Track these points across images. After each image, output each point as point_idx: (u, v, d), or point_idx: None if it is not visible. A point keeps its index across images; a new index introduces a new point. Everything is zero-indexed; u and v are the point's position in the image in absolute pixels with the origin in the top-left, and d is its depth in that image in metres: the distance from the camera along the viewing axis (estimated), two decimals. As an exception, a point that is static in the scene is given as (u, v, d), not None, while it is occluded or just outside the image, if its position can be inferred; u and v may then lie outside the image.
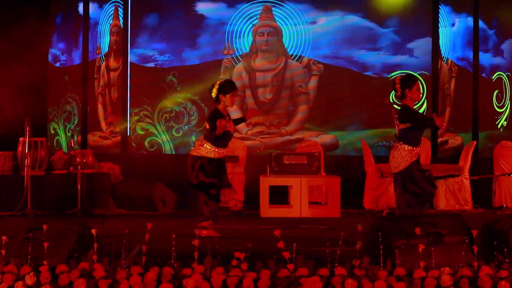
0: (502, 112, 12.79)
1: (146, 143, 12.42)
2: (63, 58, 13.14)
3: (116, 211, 9.94)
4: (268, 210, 9.59)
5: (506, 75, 12.80)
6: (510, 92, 12.83)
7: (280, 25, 12.25)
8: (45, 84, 12.95)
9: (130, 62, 12.44)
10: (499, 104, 12.77)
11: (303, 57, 12.22)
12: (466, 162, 10.17)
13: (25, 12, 11.96)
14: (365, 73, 12.20)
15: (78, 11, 12.93)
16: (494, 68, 12.75)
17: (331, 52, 12.21)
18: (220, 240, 7.03)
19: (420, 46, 12.18)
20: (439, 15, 12.27)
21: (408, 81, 7.01)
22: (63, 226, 5.23)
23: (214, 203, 7.64)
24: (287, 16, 12.24)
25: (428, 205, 9.59)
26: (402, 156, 6.89)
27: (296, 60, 12.24)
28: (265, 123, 12.28)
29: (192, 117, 12.26)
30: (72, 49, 13.03)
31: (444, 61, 12.38)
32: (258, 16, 12.26)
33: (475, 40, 12.46)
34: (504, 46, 12.83)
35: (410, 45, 12.20)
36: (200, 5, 12.31)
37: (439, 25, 12.26)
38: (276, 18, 12.26)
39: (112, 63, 12.67)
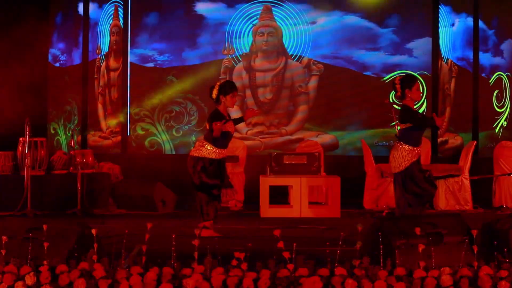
0: (502, 112, 12.79)
1: (146, 143, 12.42)
2: (63, 58, 13.15)
3: (116, 211, 9.94)
4: (268, 210, 9.59)
5: (506, 75, 12.80)
6: (510, 92, 12.83)
7: (280, 25, 12.26)
8: (45, 84, 12.95)
9: (130, 62, 12.45)
10: (499, 104, 12.77)
11: (303, 57, 12.22)
12: (466, 162, 10.17)
13: (25, 12, 11.96)
14: (365, 73, 12.20)
15: (78, 11, 12.93)
16: (494, 68, 12.75)
17: (331, 52, 12.22)
18: (220, 240, 7.03)
19: (420, 46, 12.19)
20: (439, 15, 12.28)
21: (408, 81, 7.01)
22: (63, 226, 5.23)
23: (215, 203, 7.65)
24: (287, 16, 12.24)
25: (428, 205, 9.60)
26: (402, 156, 6.89)
27: (296, 60, 12.25)
28: (265, 123, 12.28)
29: (192, 117, 12.26)
30: (72, 49, 13.03)
31: (444, 61, 12.38)
32: (258, 16, 12.26)
33: (475, 40, 12.47)
34: (504, 46, 12.83)
35: (410, 45, 12.20)
36: (200, 5, 12.31)
37: (439, 25, 12.27)
38: (276, 18, 12.26)
39: (112, 63, 12.67)
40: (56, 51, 13.18)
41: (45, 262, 4.88)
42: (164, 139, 12.38)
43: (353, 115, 12.24)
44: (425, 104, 12.15)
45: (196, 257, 4.88)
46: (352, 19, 12.18)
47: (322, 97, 12.28)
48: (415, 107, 7.14)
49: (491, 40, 12.76)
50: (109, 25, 12.71)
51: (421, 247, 4.94)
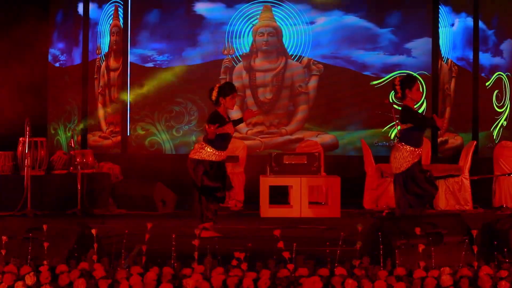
0: (502, 112, 12.79)
1: (146, 143, 12.42)
2: (63, 58, 13.15)
3: (116, 211, 9.94)
4: (268, 210, 9.59)
5: (506, 75, 12.80)
6: (510, 92, 12.83)
7: (280, 25, 12.26)
8: (45, 84, 12.95)
9: (130, 62, 12.45)
10: (499, 104, 12.77)
11: (303, 57, 12.23)
12: (466, 162, 10.17)
13: (25, 12, 11.95)
14: (364, 73, 12.20)
15: (78, 11, 12.93)
16: (494, 68, 12.75)
17: (331, 52, 12.22)
18: (220, 240, 7.03)
19: (420, 46, 12.19)
20: (439, 15, 12.28)
21: (408, 82, 7.01)
22: (63, 226, 5.22)
23: (215, 205, 7.64)
24: (287, 16, 12.24)
25: (428, 205, 9.60)
26: (404, 157, 6.88)
27: (296, 60, 12.25)
28: (265, 123, 12.28)
29: (192, 117, 12.26)
30: (72, 49, 13.03)
31: (444, 61, 12.38)
32: (258, 16, 12.26)
33: (475, 40, 12.46)
34: (504, 46, 12.83)
35: (410, 45, 12.20)
36: (200, 5, 12.31)
37: (439, 25, 12.27)
38: (276, 18, 12.26)
39: (112, 63, 12.67)
40: (56, 51, 13.19)
41: (45, 262, 4.88)
42: (164, 139, 12.39)
43: (353, 115, 12.24)
44: (425, 104, 12.15)
45: (196, 257, 4.88)
46: (352, 19, 12.18)
47: (322, 97, 12.28)
48: (415, 107, 7.14)
49: (490, 40, 12.76)
50: (109, 25, 12.71)
51: (421, 247, 4.94)
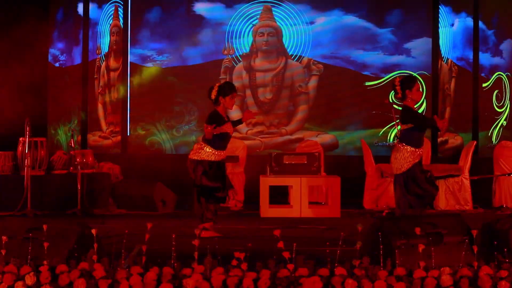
0: (502, 112, 12.79)
1: (146, 143, 12.42)
2: (63, 58, 13.15)
3: (116, 211, 9.94)
4: (268, 210, 9.59)
5: (505, 75, 12.80)
6: (510, 92, 12.83)
7: (280, 25, 12.26)
8: (45, 84, 12.95)
9: (130, 62, 12.45)
10: (498, 104, 12.77)
11: (303, 57, 12.23)
12: (466, 162, 10.17)
13: (25, 12, 11.95)
14: (364, 73, 12.20)
15: (78, 11, 12.93)
16: (493, 68, 12.75)
17: (331, 52, 12.22)
18: (220, 240, 7.03)
19: (420, 46, 12.19)
20: (439, 15, 12.28)
21: (408, 82, 7.01)
22: (63, 226, 5.22)
23: (215, 205, 7.64)
24: (287, 16, 12.24)
25: (428, 206, 9.60)
26: (404, 157, 6.88)
27: (296, 60, 12.25)
28: (265, 123, 12.28)
29: (192, 117, 12.26)
30: (72, 49, 13.03)
31: (444, 61, 12.38)
32: (258, 16, 12.26)
33: (475, 40, 12.47)
34: (503, 46, 12.82)
35: (410, 45, 12.21)
36: (200, 5, 12.31)
37: (439, 25, 12.27)
38: (276, 18, 12.26)
39: (112, 63, 12.67)
40: (56, 51, 13.18)
41: (45, 262, 4.88)
42: (164, 139, 12.39)
43: (353, 115, 12.24)
44: (425, 104, 12.15)
45: (196, 257, 4.88)
46: (352, 19, 12.18)
47: (322, 97, 12.28)
48: (415, 107, 7.13)
49: (490, 40, 12.76)
50: (109, 25, 12.71)
51: (421, 247, 4.94)
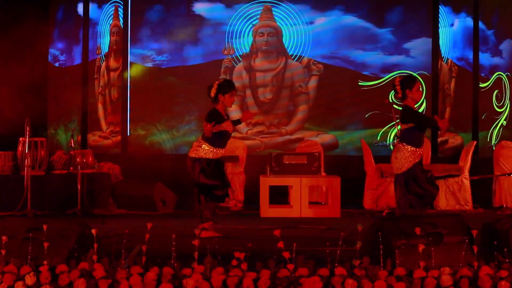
0: (502, 112, 12.79)
1: (146, 142, 12.42)
2: (63, 58, 13.15)
3: (116, 211, 9.93)
4: (268, 210, 9.59)
5: (505, 75, 12.80)
6: (510, 92, 12.83)
7: (280, 25, 12.26)
8: (45, 84, 12.94)
9: (130, 62, 12.45)
10: (498, 104, 12.77)
11: (303, 57, 12.23)
12: (466, 162, 10.17)
13: (25, 12, 11.95)
14: (364, 73, 12.20)
15: (78, 11, 12.93)
16: (493, 68, 12.75)
17: (331, 52, 12.22)
18: (220, 240, 7.03)
19: (420, 46, 12.19)
20: (439, 15, 12.28)
21: (408, 82, 7.01)
22: (63, 226, 5.22)
23: (213, 204, 7.62)
24: (287, 16, 12.24)
25: (428, 206, 9.60)
26: (405, 157, 6.88)
27: (296, 60, 12.25)
28: (265, 123, 12.28)
29: (193, 117, 12.26)
30: (72, 49, 13.03)
31: (444, 61, 12.38)
32: (258, 16, 12.26)
33: (475, 40, 12.47)
34: (503, 46, 12.82)
35: (410, 45, 12.21)
36: (200, 5, 12.31)
37: (439, 25, 12.27)
38: (276, 18, 12.26)
39: (112, 63, 12.67)
40: (56, 51, 13.18)
41: (45, 262, 4.88)
42: (165, 139, 12.39)
43: (353, 115, 12.25)
44: (424, 104, 12.15)
45: (196, 257, 4.88)
46: (352, 19, 12.18)
47: (322, 97, 12.29)
48: (415, 107, 7.13)
49: (490, 40, 12.76)
50: (109, 25, 12.71)
51: (421, 247, 4.94)
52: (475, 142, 10.69)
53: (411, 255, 4.99)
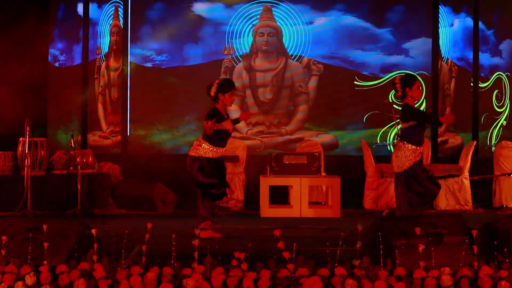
0: (502, 112, 12.80)
1: (146, 142, 12.42)
2: (62, 58, 13.15)
3: (116, 211, 9.93)
4: (268, 210, 9.59)
5: (505, 75, 12.80)
6: (510, 92, 12.83)
7: (280, 25, 12.26)
8: (45, 84, 12.94)
9: (130, 62, 12.45)
10: (498, 104, 12.77)
11: (303, 57, 12.23)
12: (466, 162, 10.17)
13: (25, 12, 11.95)
14: (364, 73, 12.21)
15: (77, 11, 12.93)
16: (493, 68, 12.75)
17: (331, 52, 12.23)
18: (220, 240, 7.03)
19: (419, 46, 12.20)
20: (439, 15, 12.29)
21: (408, 80, 7.01)
22: (63, 226, 5.22)
23: (210, 203, 7.60)
24: (287, 16, 12.24)
25: (428, 205, 9.60)
26: (406, 155, 6.87)
27: (296, 60, 12.25)
28: (265, 123, 12.29)
29: (193, 117, 12.26)
30: (72, 49, 13.03)
31: (444, 61, 12.38)
32: (258, 16, 12.27)
33: (475, 40, 12.47)
34: (503, 46, 12.83)
35: (410, 45, 12.21)
36: (200, 5, 12.32)
37: (439, 25, 12.28)
38: (276, 18, 12.27)
39: (112, 63, 12.67)
40: (56, 51, 13.18)
41: (45, 262, 4.88)
42: (165, 139, 12.39)
43: (353, 115, 12.25)
44: (424, 104, 12.15)
45: (196, 257, 4.87)
46: (352, 19, 12.19)
47: (322, 97, 12.29)
48: (415, 106, 7.13)
49: (490, 40, 12.76)
50: (109, 25, 12.72)
51: (421, 247, 4.94)
52: (475, 142, 10.69)
53: (411, 255, 4.99)
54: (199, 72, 12.20)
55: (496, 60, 12.80)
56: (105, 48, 12.75)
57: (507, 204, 10.22)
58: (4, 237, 5.03)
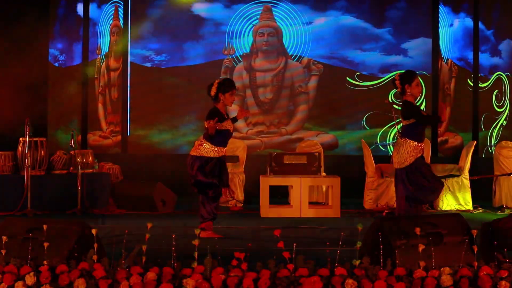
0: (502, 112, 12.80)
1: (146, 142, 12.42)
2: (62, 58, 13.14)
3: (116, 211, 9.93)
4: (268, 210, 9.59)
5: (505, 75, 12.80)
6: (510, 92, 12.83)
7: (280, 25, 12.27)
8: (45, 84, 12.94)
9: (130, 62, 12.45)
10: (498, 104, 12.77)
11: (303, 57, 12.24)
12: (466, 162, 10.17)
13: (25, 12, 11.95)
14: (364, 73, 12.21)
15: (77, 12, 12.93)
16: (492, 68, 12.76)
17: (331, 52, 12.23)
18: (220, 240, 7.03)
19: (419, 46, 12.20)
20: (438, 15, 12.29)
21: (408, 77, 7.00)
22: (63, 226, 5.22)
23: (212, 204, 7.60)
24: (287, 16, 12.25)
25: (428, 205, 9.60)
26: (408, 151, 6.86)
27: (296, 60, 12.26)
28: (265, 123, 12.29)
29: (193, 117, 12.27)
30: (72, 49, 13.03)
31: (444, 61, 12.39)
32: (258, 16, 12.27)
33: (475, 40, 12.47)
34: (502, 46, 12.83)
35: (409, 45, 12.21)
36: (200, 6, 12.32)
37: (438, 25, 12.28)
38: (276, 18, 12.27)
39: (112, 63, 12.67)
40: (56, 51, 13.18)
41: (45, 262, 4.88)
42: (165, 139, 12.39)
43: (353, 115, 12.25)
44: (424, 104, 12.15)
45: (196, 257, 4.87)
46: (352, 19, 12.19)
47: (322, 97, 12.30)
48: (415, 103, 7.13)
49: (489, 40, 12.76)
50: (109, 25, 12.72)
51: (421, 247, 4.94)
52: (475, 142, 10.68)
53: (411, 255, 4.98)
54: (199, 72, 12.21)
55: (496, 60, 12.80)
56: (105, 48, 12.75)
57: (507, 204, 10.22)
58: (4, 237, 5.03)
